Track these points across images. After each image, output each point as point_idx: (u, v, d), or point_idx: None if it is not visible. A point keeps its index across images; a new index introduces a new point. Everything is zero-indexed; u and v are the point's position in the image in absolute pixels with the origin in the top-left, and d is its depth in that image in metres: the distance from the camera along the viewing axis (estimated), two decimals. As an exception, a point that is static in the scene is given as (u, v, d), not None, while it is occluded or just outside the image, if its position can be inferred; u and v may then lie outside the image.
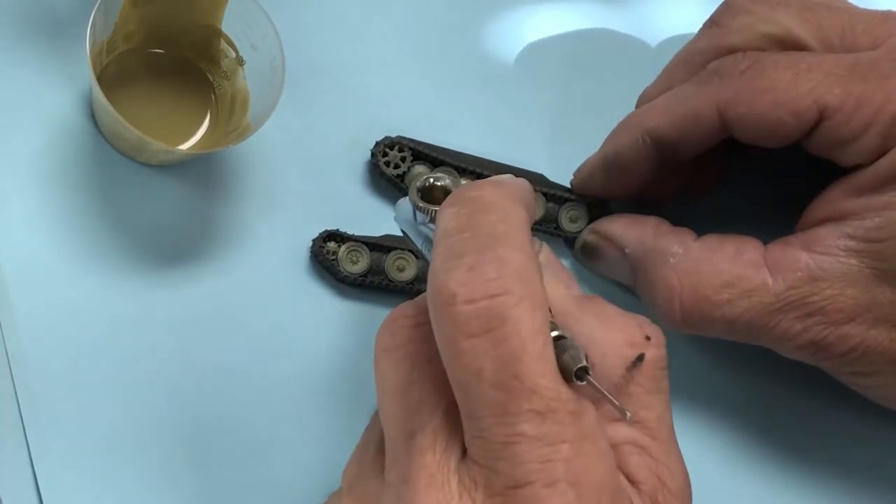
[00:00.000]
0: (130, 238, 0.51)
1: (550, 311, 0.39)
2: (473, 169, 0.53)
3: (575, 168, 0.54)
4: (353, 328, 0.52)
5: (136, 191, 0.51)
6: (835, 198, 0.48)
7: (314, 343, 0.52)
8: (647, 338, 0.41)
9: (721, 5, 0.51)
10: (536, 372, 0.36)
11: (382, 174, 0.53)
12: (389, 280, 0.52)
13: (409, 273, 0.52)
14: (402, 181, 0.53)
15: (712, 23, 0.51)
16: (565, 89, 0.57)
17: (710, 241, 0.49)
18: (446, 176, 0.43)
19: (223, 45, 0.51)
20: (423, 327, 0.40)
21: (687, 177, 0.53)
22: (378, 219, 0.53)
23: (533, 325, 0.36)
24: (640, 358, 0.40)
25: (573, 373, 0.37)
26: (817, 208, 0.49)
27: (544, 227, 0.53)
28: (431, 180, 0.43)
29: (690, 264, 0.48)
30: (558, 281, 0.42)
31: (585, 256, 0.53)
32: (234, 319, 0.51)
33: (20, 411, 0.48)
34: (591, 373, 0.37)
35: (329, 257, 0.52)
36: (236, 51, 0.51)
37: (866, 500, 0.54)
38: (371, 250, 0.52)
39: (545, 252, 0.43)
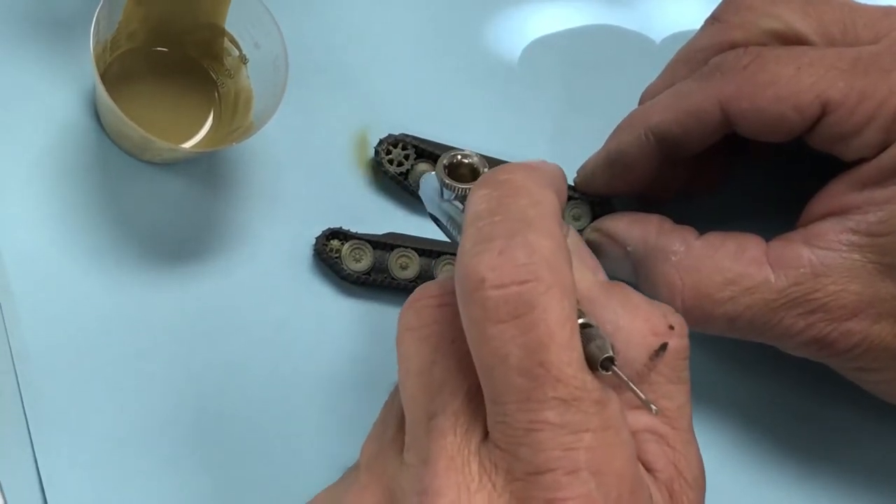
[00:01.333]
0: (134, 236, 0.51)
1: (577, 299, 0.39)
2: None
3: (578, 166, 0.54)
4: (356, 326, 0.52)
5: (139, 189, 0.51)
6: (837, 192, 0.48)
7: (317, 341, 0.52)
8: (671, 327, 0.41)
9: (722, 2, 0.51)
10: (563, 360, 0.36)
11: (386, 172, 0.53)
12: (392, 278, 0.52)
13: (412, 271, 0.52)
14: (406, 179, 0.53)
15: (714, 19, 0.51)
16: (568, 87, 0.57)
17: (712, 238, 0.49)
18: (474, 154, 0.43)
19: (226, 43, 0.51)
20: (447, 308, 0.39)
21: (690, 174, 0.53)
22: (381, 217, 0.53)
23: (561, 313, 0.36)
24: (664, 347, 0.40)
25: (599, 362, 0.37)
26: (819, 203, 0.48)
27: None
28: (459, 157, 0.43)
29: (692, 262, 0.48)
30: (585, 267, 0.42)
31: None
32: (237, 317, 0.51)
33: (24, 408, 0.48)
34: (616, 363, 0.37)
35: (332, 255, 0.52)
36: (239, 49, 0.51)
37: (871, 497, 0.54)
38: (374, 248, 0.52)
39: (572, 236, 0.43)
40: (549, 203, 0.38)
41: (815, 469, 0.54)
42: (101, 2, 0.47)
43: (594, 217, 0.53)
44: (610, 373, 0.37)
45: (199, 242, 0.52)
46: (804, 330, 0.47)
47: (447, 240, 0.52)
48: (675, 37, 0.57)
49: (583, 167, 0.53)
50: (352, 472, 0.43)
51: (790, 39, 0.49)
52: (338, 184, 0.53)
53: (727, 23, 0.50)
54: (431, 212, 0.45)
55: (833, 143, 0.47)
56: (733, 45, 0.49)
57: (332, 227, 0.52)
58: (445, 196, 0.43)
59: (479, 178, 0.40)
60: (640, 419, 0.40)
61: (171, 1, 0.50)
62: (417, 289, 0.41)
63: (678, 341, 0.41)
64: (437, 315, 0.40)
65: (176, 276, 0.51)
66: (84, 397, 0.49)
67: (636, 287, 0.51)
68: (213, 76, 0.53)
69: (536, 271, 0.36)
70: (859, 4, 0.50)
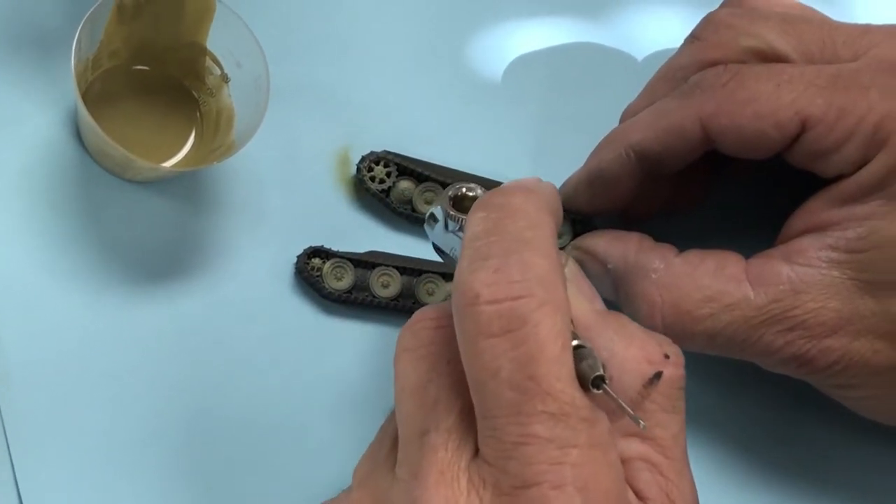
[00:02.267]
0: (115, 255, 0.51)
1: (573, 322, 0.40)
2: None
3: (560, 183, 0.54)
4: (337, 344, 0.52)
5: (120, 208, 0.51)
6: (816, 208, 0.48)
7: (298, 359, 0.52)
8: (667, 356, 0.41)
9: (702, 20, 0.51)
10: (553, 375, 0.37)
11: (368, 189, 0.53)
12: (374, 296, 0.52)
13: (393, 289, 0.52)
14: (388, 196, 0.53)
15: (694, 38, 0.51)
16: (550, 104, 0.57)
17: (692, 256, 0.49)
18: (478, 186, 0.44)
19: (208, 62, 0.51)
20: (444, 330, 0.40)
21: (671, 192, 0.53)
22: (363, 235, 0.53)
23: (553, 328, 0.37)
24: (658, 375, 0.40)
25: (590, 381, 0.37)
26: (799, 219, 0.49)
27: None
28: (463, 189, 0.44)
29: (671, 279, 0.48)
30: (582, 295, 0.43)
31: None
32: (218, 335, 0.51)
33: (3, 427, 0.48)
34: (607, 382, 0.38)
35: (314, 273, 0.52)
36: (221, 68, 0.51)
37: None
38: (356, 266, 0.52)
39: (570, 266, 0.44)
40: (545, 226, 0.39)
41: (793, 486, 0.54)
42: (83, 20, 0.47)
43: (575, 235, 0.53)
44: (601, 391, 0.37)
45: (181, 261, 0.52)
46: (783, 347, 0.47)
47: (429, 258, 0.53)
48: (656, 55, 0.58)
49: (564, 185, 0.53)
50: (345, 492, 0.44)
51: (769, 57, 0.49)
52: (319, 202, 0.53)
53: (707, 41, 0.50)
54: (435, 242, 0.46)
55: (813, 159, 0.47)
56: (713, 64, 0.49)
57: (313, 245, 0.52)
58: (450, 228, 0.44)
59: (477, 201, 0.41)
60: (634, 447, 0.40)
61: (153, 20, 0.50)
62: (416, 312, 0.42)
63: (673, 370, 0.41)
64: (434, 336, 0.40)
65: (157, 294, 0.51)
66: (65, 416, 0.49)
67: (617, 305, 0.51)
68: (195, 95, 0.53)
69: (530, 288, 0.37)
70: (838, 23, 0.50)
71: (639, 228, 0.51)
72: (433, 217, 0.45)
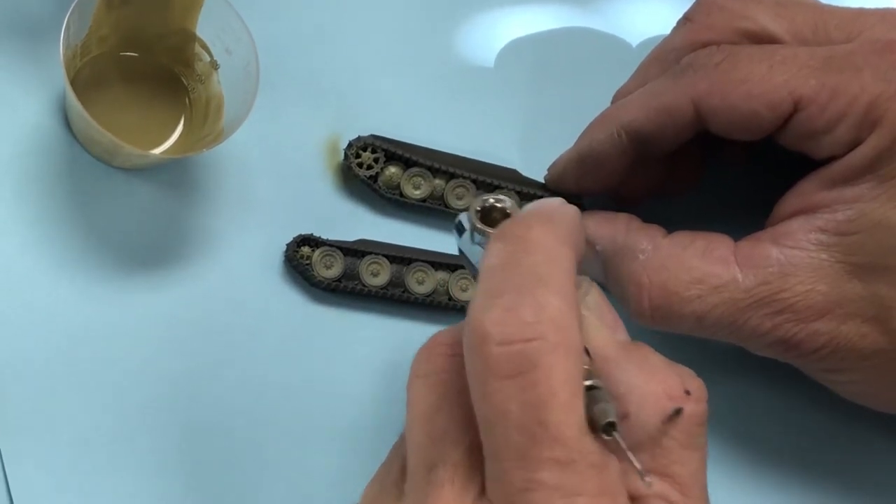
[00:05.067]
0: (103, 242, 0.51)
1: (590, 355, 0.39)
2: (447, 168, 0.53)
3: (548, 165, 0.54)
4: (326, 333, 0.52)
5: (109, 195, 0.51)
6: (807, 190, 0.48)
7: (288, 348, 0.51)
8: (688, 392, 0.40)
9: (695, 3, 0.51)
10: (562, 421, 0.36)
11: (356, 175, 0.53)
12: (363, 285, 0.52)
13: (382, 278, 0.52)
14: (376, 182, 0.53)
15: (686, 20, 0.51)
16: (542, 91, 0.57)
17: (680, 237, 0.49)
18: (507, 198, 0.43)
19: (197, 49, 0.51)
20: (458, 358, 0.39)
21: (662, 176, 0.53)
22: (353, 223, 0.53)
23: (564, 373, 0.36)
24: (678, 412, 0.39)
25: (601, 426, 0.37)
26: (789, 202, 0.48)
27: None
28: (491, 201, 0.43)
29: (659, 261, 0.48)
30: (603, 325, 0.41)
31: None
32: (206, 324, 0.51)
33: (-11, 415, 0.48)
34: (618, 429, 0.37)
35: (303, 262, 0.52)
36: (211, 55, 0.51)
37: (840, 497, 0.54)
38: (345, 255, 0.52)
39: (594, 294, 0.42)
40: (564, 260, 0.38)
41: (784, 469, 0.54)
42: (72, 6, 0.47)
43: None
44: (611, 438, 0.37)
45: (169, 249, 0.51)
46: (771, 330, 0.47)
47: (419, 247, 0.53)
48: (650, 41, 0.57)
49: (553, 164, 0.53)
50: None
51: (762, 39, 0.49)
52: (309, 190, 0.53)
53: (699, 23, 0.50)
54: (462, 249, 0.45)
55: (804, 140, 0.47)
56: (706, 45, 0.49)
57: (302, 233, 0.52)
58: (476, 240, 0.43)
59: (497, 230, 0.40)
60: (651, 485, 0.39)
61: (142, 6, 0.50)
62: (432, 336, 0.41)
63: (694, 407, 0.39)
64: (448, 364, 0.40)
65: (145, 282, 0.51)
66: (52, 404, 0.49)
67: (604, 286, 0.51)
68: (184, 82, 0.52)
69: (542, 330, 0.36)
70: (831, 6, 0.50)
71: (630, 211, 0.51)
72: (461, 225, 0.44)
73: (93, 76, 0.51)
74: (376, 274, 0.52)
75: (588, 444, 0.36)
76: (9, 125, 0.51)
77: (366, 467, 0.51)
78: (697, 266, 0.48)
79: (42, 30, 0.52)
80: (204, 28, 0.51)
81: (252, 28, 0.49)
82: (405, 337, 0.53)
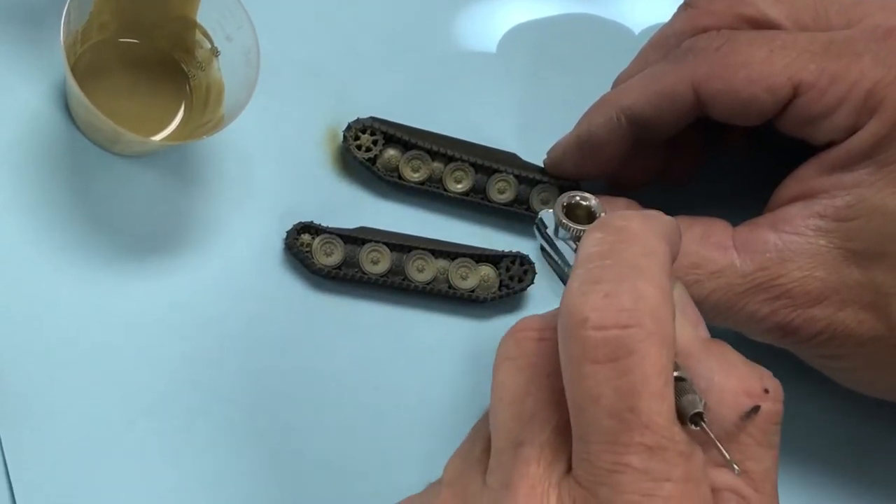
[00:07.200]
0: (103, 229, 0.51)
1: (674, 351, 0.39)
2: (446, 151, 0.53)
3: (548, 149, 0.54)
4: (326, 321, 0.52)
5: (109, 182, 0.51)
6: (805, 176, 0.48)
7: (288, 335, 0.51)
8: (766, 390, 0.40)
9: None
10: (653, 409, 0.36)
11: (354, 158, 0.53)
12: (363, 273, 0.52)
13: (383, 265, 0.52)
14: (374, 164, 0.53)
15: (687, 5, 0.51)
16: (543, 77, 0.57)
17: (679, 222, 0.49)
18: (592, 197, 0.44)
19: (198, 35, 0.51)
20: (546, 342, 0.40)
21: (661, 162, 0.53)
22: (353, 210, 0.53)
23: (658, 362, 0.37)
24: (756, 409, 0.40)
25: (689, 417, 0.37)
26: (787, 187, 0.49)
27: (515, 209, 0.54)
28: (577, 198, 0.44)
29: None
30: (687, 321, 0.42)
31: None
32: (207, 311, 0.51)
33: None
34: (705, 419, 0.37)
35: (303, 249, 0.52)
36: (211, 42, 0.51)
37: (837, 484, 0.54)
38: (345, 243, 0.52)
39: (679, 290, 0.43)
40: (661, 254, 0.39)
41: (781, 463, 0.54)
42: (73, -8, 0.47)
43: None
44: (698, 428, 0.37)
45: (170, 236, 0.51)
46: (768, 316, 0.47)
47: (419, 235, 0.53)
48: (652, 28, 0.57)
49: (552, 149, 0.53)
50: (434, 486, 0.44)
51: (762, 25, 0.49)
52: (309, 177, 0.53)
53: (700, 8, 0.50)
54: (544, 246, 0.46)
55: (803, 125, 0.47)
56: (706, 30, 0.50)
57: (302, 220, 0.52)
58: (560, 235, 0.44)
59: (596, 221, 0.41)
60: (724, 478, 0.40)
61: (143, -8, 0.50)
62: (520, 320, 0.41)
63: (772, 405, 0.40)
64: (536, 348, 0.40)
65: (146, 269, 0.51)
66: (52, 391, 0.49)
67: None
68: (185, 69, 0.52)
69: (639, 318, 0.37)
70: None
71: (630, 197, 0.51)
72: (542, 222, 0.45)
73: (93, 63, 0.51)
74: (376, 262, 0.52)
75: (677, 433, 0.37)
76: (9, 112, 0.51)
77: (366, 453, 0.51)
78: (695, 251, 0.48)
79: (42, 16, 0.52)
80: (205, 15, 0.50)
81: (253, 15, 0.49)
82: (405, 325, 0.53)
